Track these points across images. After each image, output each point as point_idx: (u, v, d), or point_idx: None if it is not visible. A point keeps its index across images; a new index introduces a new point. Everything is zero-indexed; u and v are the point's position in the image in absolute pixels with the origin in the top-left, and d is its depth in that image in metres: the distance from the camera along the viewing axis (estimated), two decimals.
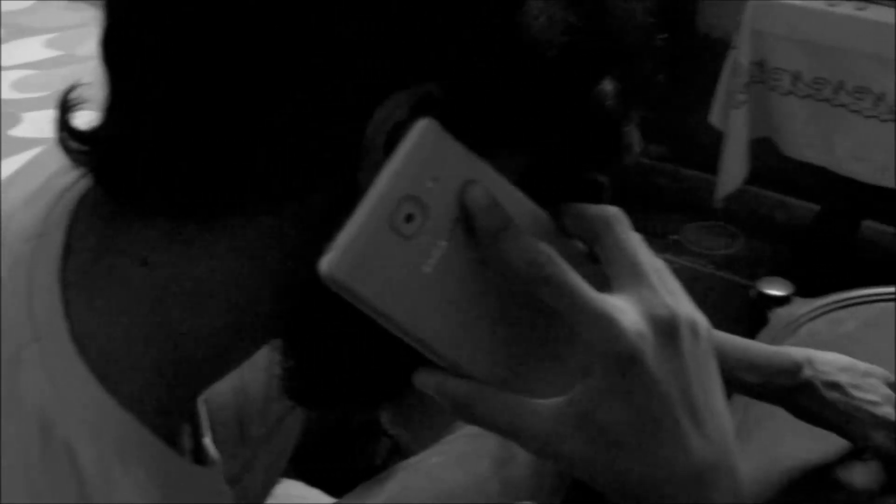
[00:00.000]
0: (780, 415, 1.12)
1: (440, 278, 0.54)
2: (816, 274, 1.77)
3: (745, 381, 1.12)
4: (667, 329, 0.56)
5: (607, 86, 0.58)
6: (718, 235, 2.97)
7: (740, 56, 2.28)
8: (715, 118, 2.40)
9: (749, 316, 1.52)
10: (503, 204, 0.54)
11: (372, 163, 0.52)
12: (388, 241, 0.52)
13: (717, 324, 2.37)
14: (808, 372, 1.10)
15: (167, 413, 0.59)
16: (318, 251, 0.50)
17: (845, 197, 2.58)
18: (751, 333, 1.54)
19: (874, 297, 1.44)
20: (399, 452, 1.43)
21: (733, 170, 2.36)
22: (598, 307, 0.54)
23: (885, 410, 1.11)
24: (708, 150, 2.82)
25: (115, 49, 0.55)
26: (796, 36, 2.24)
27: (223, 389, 1.26)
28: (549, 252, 0.54)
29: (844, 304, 1.44)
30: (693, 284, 2.76)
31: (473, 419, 0.57)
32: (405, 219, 0.52)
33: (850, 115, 2.22)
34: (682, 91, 3.04)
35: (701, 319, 0.59)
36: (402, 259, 0.52)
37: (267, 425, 1.29)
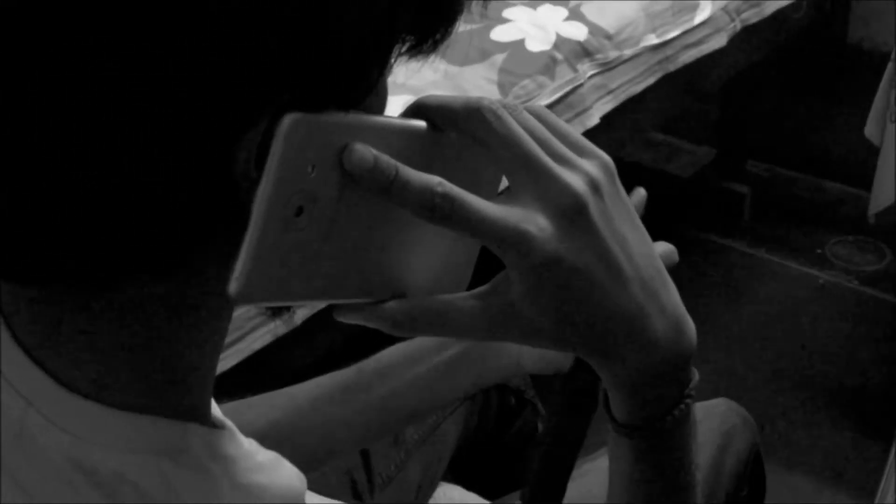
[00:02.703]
0: None
1: (344, 240, 0.55)
2: None
3: None
4: (576, 213, 0.59)
5: None
6: (864, 251, 2.89)
7: None
8: (870, 131, 2.33)
9: None
10: (381, 146, 0.53)
11: (250, 183, 0.50)
12: (287, 243, 0.52)
13: (861, 341, 2.34)
14: None
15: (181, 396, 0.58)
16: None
17: None
18: None
19: None
20: None
21: (888, 185, 2.30)
22: (504, 228, 0.57)
23: None
24: (853, 163, 2.76)
25: None
26: None
27: None
28: (443, 188, 0.55)
29: None
30: (839, 300, 2.71)
31: (413, 331, 0.60)
32: (296, 214, 0.51)
33: None
34: (826, 101, 2.98)
35: (601, 168, 0.61)
36: (305, 248, 0.53)
37: (422, 430, 1.30)
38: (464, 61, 1.87)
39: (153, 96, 0.46)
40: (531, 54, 1.92)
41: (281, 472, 0.61)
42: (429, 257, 0.62)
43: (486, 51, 1.91)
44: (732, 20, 2.29)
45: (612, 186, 0.62)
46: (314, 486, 0.76)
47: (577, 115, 1.91)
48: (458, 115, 0.58)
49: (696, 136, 3.23)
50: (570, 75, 1.92)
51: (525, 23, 2.00)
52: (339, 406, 1.00)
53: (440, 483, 1.34)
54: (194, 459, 0.56)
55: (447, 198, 0.55)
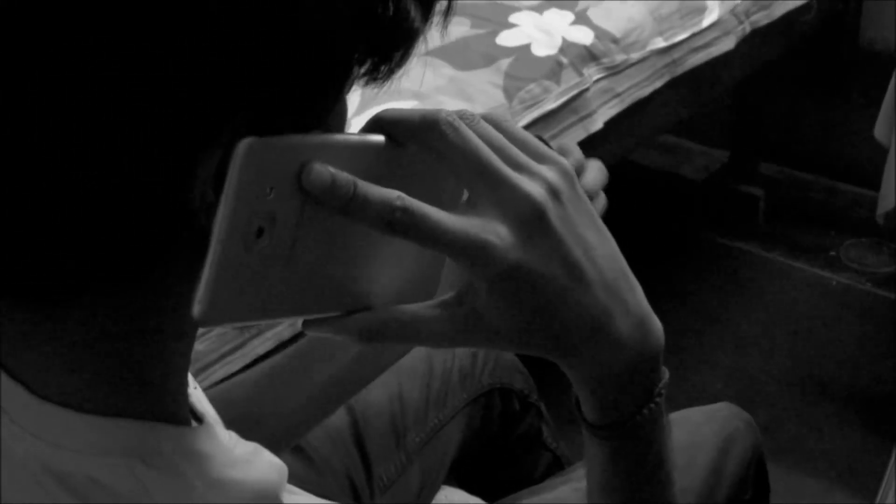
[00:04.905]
0: None
1: (308, 257, 0.55)
2: None
3: None
4: (535, 220, 0.59)
5: None
6: (878, 253, 2.88)
7: None
8: (879, 132, 2.32)
9: None
10: (339, 163, 0.54)
11: (207, 205, 0.50)
12: (249, 263, 0.52)
13: (873, 343, 2.32)
14: None
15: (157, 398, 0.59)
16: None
17: None
18: None
19: None
20: (559, 467, 1.42)
21: (895, 186, 2.29)
22: (465, 238, 0.57)
23: None
24: (867, 165, 2.75)
25: None
26: None
27: (379, 396, 1.28)
28: (402, 202, 0.55)
29: None
30: (851, 302, 2.70)
31: (381, 341, 0.61)
32: (257, 235, 0.51)
33: None
34: (840, 103, 2.98)
35: (560, 174, 0.61)
36: (267, 268, 0.53)
37: (424, 433, 1.30)
38: (469, 66, 1.87)
39: (110, 113, 0.46)
40: (537, 59, 1.92)
41: (258, 465, 0.61)
42: (396, 267, 0.62)
43: (491, 55, 1.91)
44: (741, 23, 2.28)
45: (572, 191, 0.62)
46: (311, 488, 0.76)
47: (582, 119, 1.91)
48: (416, 129, 0.58)
49: (710, 138, 3.23)
50: (576, 79, 1.93)
51: (531, 27, 2.00)
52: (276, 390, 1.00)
53: (442, 486, 1.35)
54: (166, 460, 0.56)
55: (406, 211, 0.55)
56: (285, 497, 0.62)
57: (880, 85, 2.35)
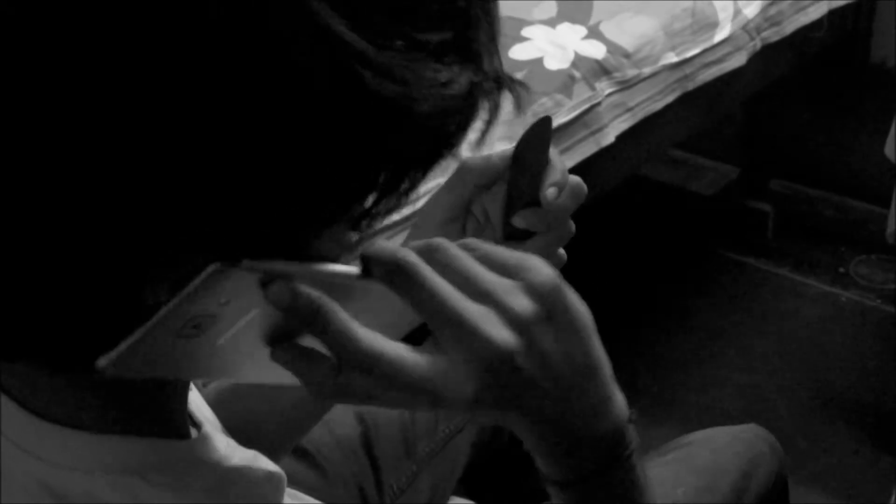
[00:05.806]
0: None
1: (242, 342, 0.54)
2: None
3: None
4: (501, 368, 0.57)
5: None
6: (887, 269, 2.88)
7: None
8: (889, 151, 2.33)
9: None
10: (305, 280, 0.52)
11: (156, 302, 0.49)
12: (174, 344, 0.50)
13: (885, 360, 2.31)
14: None
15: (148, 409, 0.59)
16: None
17: None
18: None
19: None
20: None
21: None
22: (423, 385, 0.56)
23: None
24: (877, 182, 2.75)
25: None
26: None
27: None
28: (368, 346, 0.54)
29: None
30: (861, 319, 2.70)
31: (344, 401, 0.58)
32: (193, 328, 0.50)
33: None
34: (850, 120, 2.98)
35: (532, 296, 0.59)
36: (194, 348, 0.52)
37: (434, 443, 1.30)
38: None
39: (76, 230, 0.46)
40: (549, 72, 1.93)
41: (255, 473, 0.61)
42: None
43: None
44: (752, 39, 2.28)
45: (542, 310, 0.59)
46: (320, 496, 0.77)
47: (593, 133, 1.91)
48: (384, 268, 0.55)
49: (720, 154, 3.23)
50: (588, 93, 1.93)
51: (544, 41, 2.01)
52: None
53: (452, 497, 1.35)
54: (162, 475, 0.57)
55: (366, 355, 0.54)
56: (286, 499, 0.62)
57: (891, 102, 2.36)
